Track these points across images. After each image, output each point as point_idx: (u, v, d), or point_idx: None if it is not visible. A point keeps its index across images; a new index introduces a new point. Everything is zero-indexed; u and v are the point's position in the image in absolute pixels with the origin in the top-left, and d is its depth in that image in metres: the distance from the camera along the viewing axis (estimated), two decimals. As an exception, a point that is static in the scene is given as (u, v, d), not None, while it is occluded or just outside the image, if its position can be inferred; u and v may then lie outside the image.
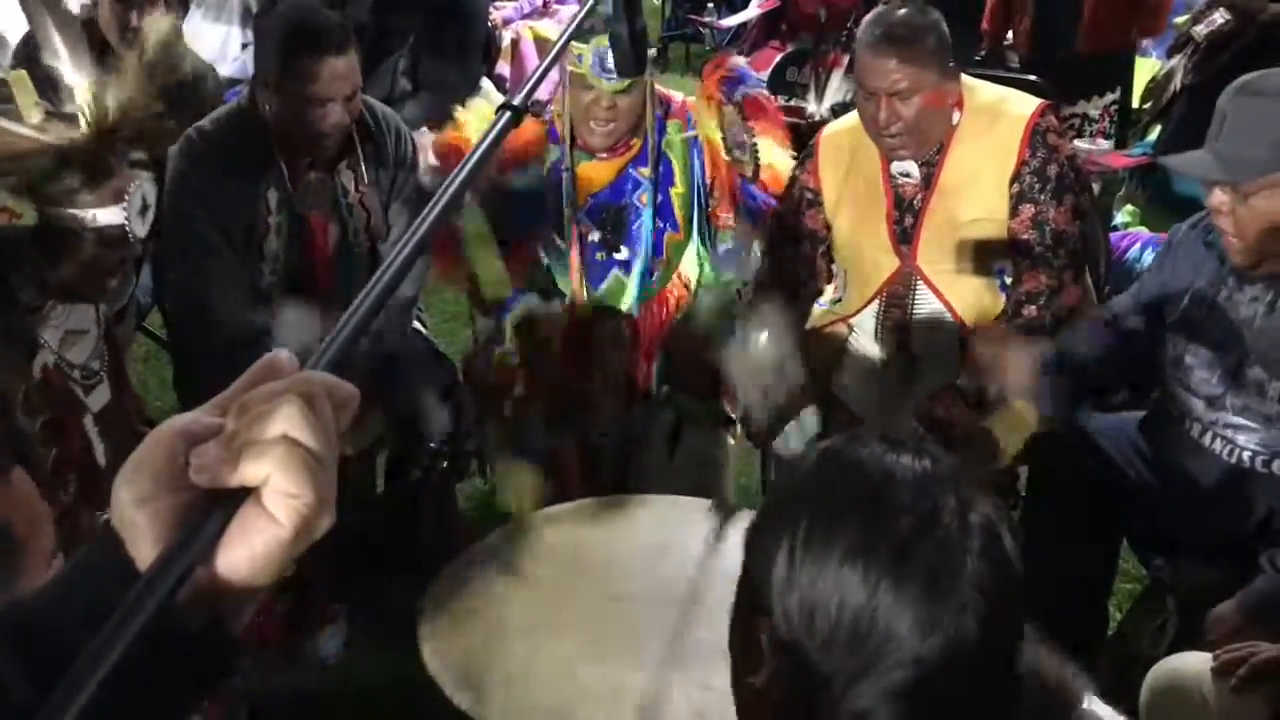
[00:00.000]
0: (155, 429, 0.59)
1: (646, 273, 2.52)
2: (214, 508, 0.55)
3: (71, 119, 1.61)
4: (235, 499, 0.55)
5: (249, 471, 0.55)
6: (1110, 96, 4.49)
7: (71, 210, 1.63)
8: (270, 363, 0.59)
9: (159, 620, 0.51)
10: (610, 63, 2.22)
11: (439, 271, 2.62)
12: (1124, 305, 2.32)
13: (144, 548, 0.56)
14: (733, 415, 2.67)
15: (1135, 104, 4.75)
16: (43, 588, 0.60)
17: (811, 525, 0.92)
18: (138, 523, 0.56)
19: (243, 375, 0.59)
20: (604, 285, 2.54)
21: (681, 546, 2.11)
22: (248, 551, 0.56)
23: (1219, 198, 1.97)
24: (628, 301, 2.53)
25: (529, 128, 2.47)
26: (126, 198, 1.67)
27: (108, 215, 1.66)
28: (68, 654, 0.50)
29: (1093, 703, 1.34)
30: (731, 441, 2.72)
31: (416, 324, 2.85)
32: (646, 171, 2.47)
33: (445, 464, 2.68)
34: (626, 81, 2.28)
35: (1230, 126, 1.95)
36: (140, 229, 1.72)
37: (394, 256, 0.64)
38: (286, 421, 0.55)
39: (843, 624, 0.88)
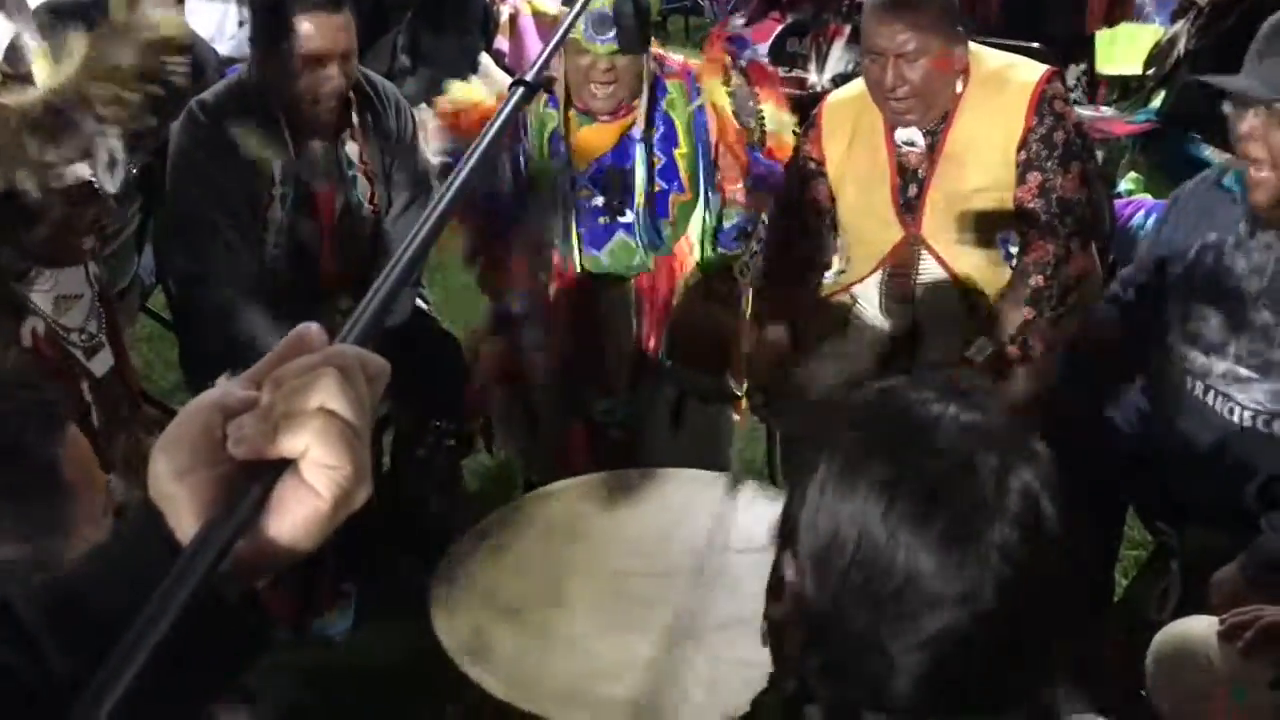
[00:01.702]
0: (191, 402, 0.59)
1: (654, 233, 2.51)
2: (254, 480, 0.55)
3: (28, 82, 1.60)
4: (275, 471, 0.55)
5: (288, 443, 0.55)
6: (1078, 68, 4.58)
7: (31, 172, 1.62)
8: (301, 335, 0.59)
9: (204, 593, 0.51)
10: (604, 26, 2.23)
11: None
12: (1130, 277, 2.31)
13: (184, 520, 0.56)
14: (737, 390, 2.67)
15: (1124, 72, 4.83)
16: (82, 562, 0.61)
17: (846, 456, 0.90)
18: (177, 495, 0.57)
19: (274, 348, 0.59)
20: (608, 247, 2.53)
21: (688, 520, 2.12)
22: (289, 523, 0.57)
23: (1251, 122, 1.92)
24: (635, 262, 2.52)
25: (483, 111, 2.45)
26: (92, 154, 1.66)
27: (74, 173, 1.65)
28: (109, 627, 0.50)
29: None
30: (736, 416, 2.72)
31: (420, 301, 2.85)
32: (651, 134, 2.46)
33: (451, 441, 2.69)
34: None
35: (1272, 50, 1.90)
36: (110, 184, 1.71)
37: (418, 229, 0.64)
38: (324, 393, 0.55)
39: (861, 561, 0.86)
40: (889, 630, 0.86)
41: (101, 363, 1.90)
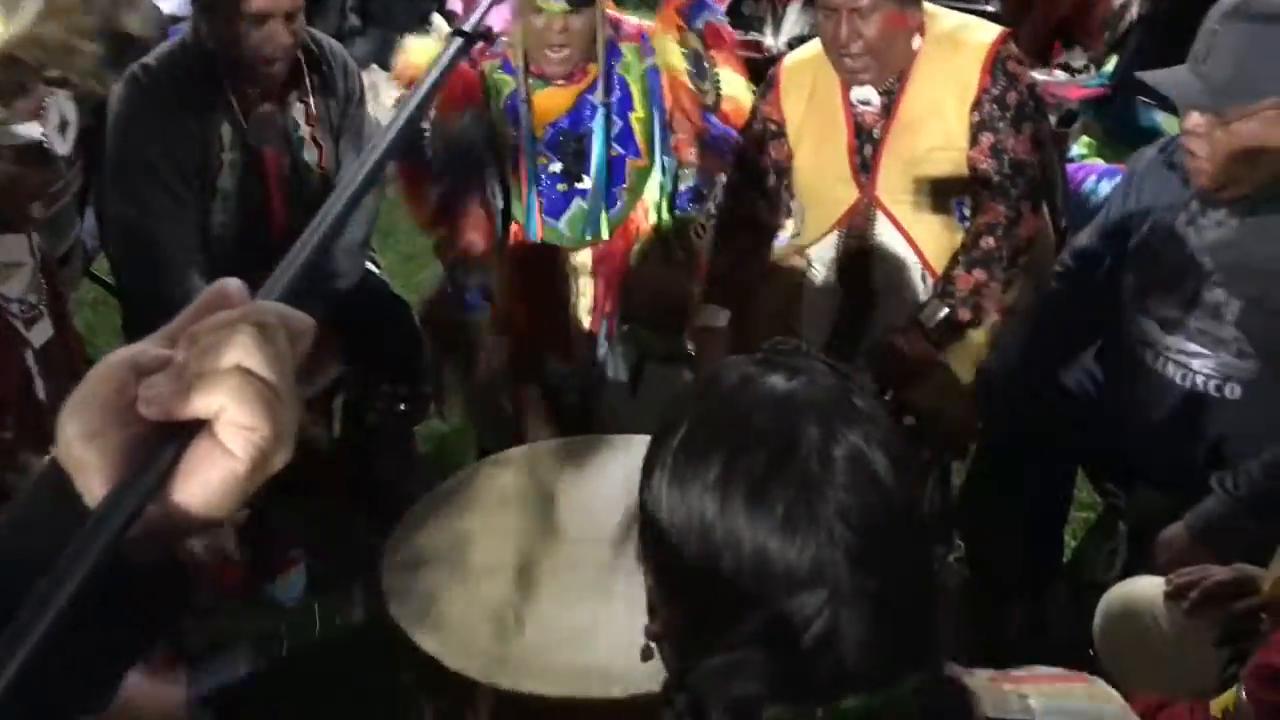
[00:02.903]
0: (102, 360, 0.56)
1: (609, 199, 2.48)
2: (166, 441, 0.53)
3: None
4: (188, 432, 0.53)
5: (201, 403, 0.53)
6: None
7: None
8: (220, 291, 0.57)
9: (111, 558, 0.49)
10: None
11: (410, 205, 2.57)
12: (1086, 242, 2.32)
13: (93, 484, 0.54)
14: (693, 352, 2.66)
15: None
16: None
17: (678, 456, 0.91)
18: (86, 458, 0.54)
19: (191, 304, 0.57)
20: (566, 216, 2.50)
21: (643, 484, 2.10)
22: (202, 486, 0.54)
23: (1195, 120, 1.94)
24: (593, 231, 2.50)
25: (468, 67, 2.42)
26: (43, 113, 1.62)
27: (24, 132, 1.61)
28: (15, 594, 0.48)
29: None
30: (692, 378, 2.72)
31: (370, 266, 2.81)
32: (600, 96, 2.43)
33: (403, 406, 2.67)
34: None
35: (1218, 49, 1.91)
36: (61, 146, 1.67)
37: (347, 183, 0.62)
38: (240, 351, 0.53)
39: (712, 553, 0.87)
40: (757, 621, 0.86)
41: (41, 333, 1.86)
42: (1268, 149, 1.91)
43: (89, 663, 0.57)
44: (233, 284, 0.57)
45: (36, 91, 1.62)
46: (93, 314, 3.60)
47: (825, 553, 0.85)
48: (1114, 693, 1.03)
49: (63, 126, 1.67)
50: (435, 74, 0.70)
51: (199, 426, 0.53)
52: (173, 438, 0.53)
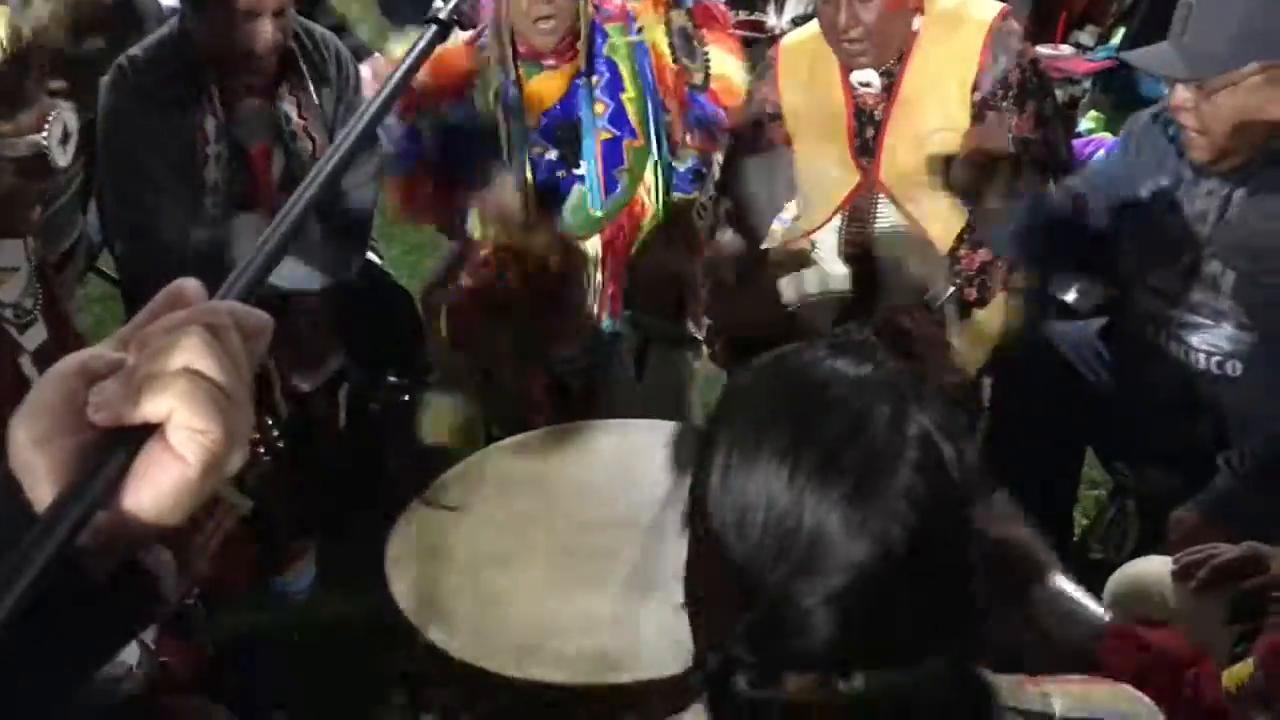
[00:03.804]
0: (53, 366, 0.56)
1: (609, 183, 2.47)
2: (115, 447, 0.52)
3: None
4: (137, 437, 0.52)
5: (150, 407, 0.52)
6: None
7: None
8: (175, 292, 0.56)
9: (62, 565, 0.48)
10: None
11: (402, 210, 2.56)
12: (1083, 183, 2.30)
13: (43, 491, 0.53)
14: (698, 336, 2.66)
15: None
16: None
17: (745, 427, 0.91)
18: (36, 465, 0.54)
19: (145, 307, 0.56)
20: (568, 203, 2.48)
21: (648, 471, 2.10)
22: (153, 491, 0.53)
23: (1182, 94, 1.95)
24: (596, 217, 2.49)
25: (460, 57, 2.40)
26: (46, 126, 1.62)
27: (26, 143, 1.61)
28: None
29: (1059, 580, 1.35)
30: (697, 364, 2.71)
31: (373, 256, 2.81)
32: (595, 81, 2.42)
33: (406, 397, 2.66)
34: None
35: (1195, 20, 1.92)
36: (62, 159, 1.67)
37: (314, 174, 0.61)
38: (189, 353, 0.52)
39: (770, 526, 0.87)
40: (805, 589, 0.86)
41: (34, 337, 1.86)
42: (1255, 118, 1.90)
43: (42, 669, 0.57)
44: (190, 284, 0.56)
45: (41, 102, 1.62)
46: (100, 308, 3.61)
47: (884, 529, 0.85)
48: (1141, 696, 1.04)
49: (65, 138, 1.67)
50: (410, 59, 0.69)
51: (150, 431, 0.52)
52: (123, 443, 0.52)
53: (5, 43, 1.53)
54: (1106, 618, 1.35)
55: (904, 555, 0.85)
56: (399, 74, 0.68)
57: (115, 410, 0.52)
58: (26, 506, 0.54)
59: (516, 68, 2.40)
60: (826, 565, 0.86)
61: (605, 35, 2.43)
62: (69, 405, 0.54)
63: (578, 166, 2.46)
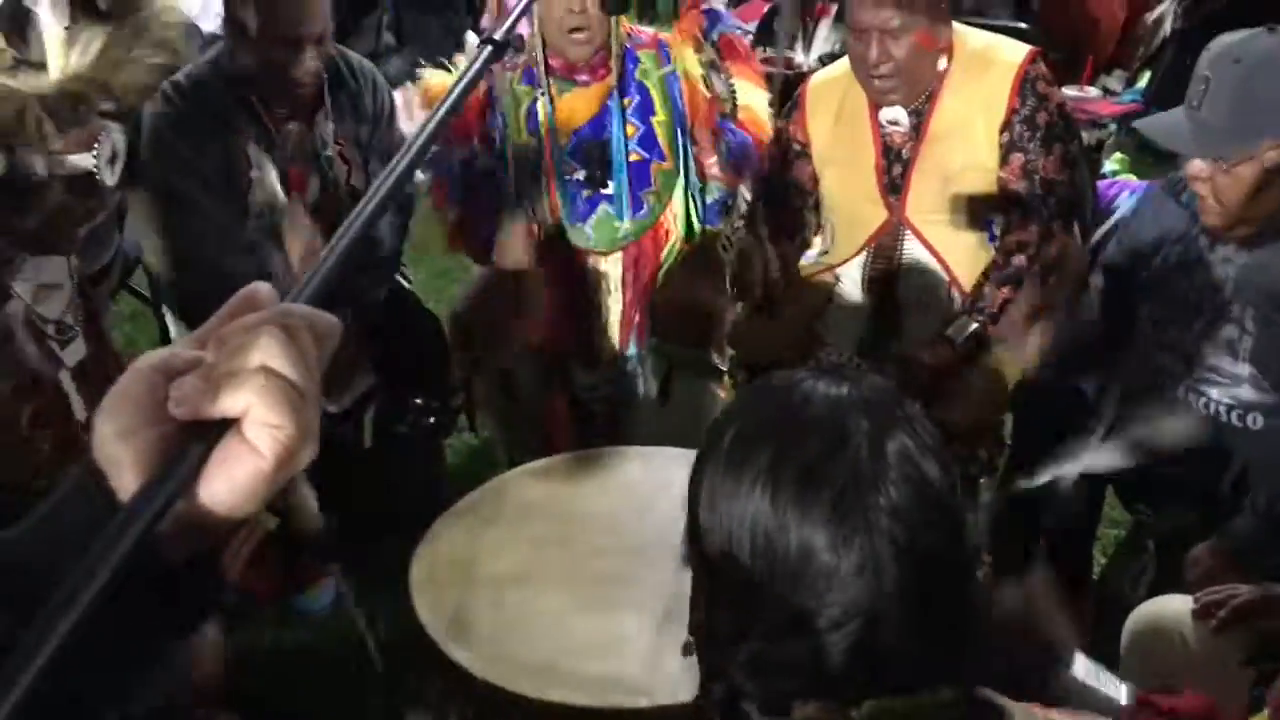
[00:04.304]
0: (135, 362, 0.58)
1: (635, 204, 2.51)
2: (195, 440, 0.55)
3: (41, 67, 1.59)
4: (216, 430, 0.55)
5: (228, 402, 0.55)
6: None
7: (40, 156, 1.62)
8: (249, 295, 0.59)
9: (141, 552, 0.51)
10: None
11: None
12: (1111, 259, 2.33)
13: (126, 481, 0.56)
14: (721, 366, 2.67)
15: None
16: (25, 523, 0.60)
17: (729, 451, 0.93)
18: (119, 456, 0.56)
19: (221, 308, 0.59)
20: (592, 219, 2.51)
21: (671, 497, 2.10)
22: (229, 483, 0.56)
23: (1198, 166, 1.96)
24: (620, 235, 2.52)
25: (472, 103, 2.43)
26: (96, 146, 1.66)
27: (76, 162, 1.65)
28: (47, 588, 0.50)
29: (1084, 662, 1.35)
30: (721, 393, 2.72)
31: (401, 280, 2.84)
32: (627, 103, 2.46)
33: (432, 419, 2.68)
34: None
35: (1211, 95, 1.93)
36: (110, 178, 1.71)
37: (373, 191, 0.64)
38: (265, 352, 0.55)
39: (759, 548, 0.88)
40: (801, 614, 0.86)
41: (74, 353, 1.90)
42: (1272, 189, 1.92)
43: (119, 655, 0.59)
44: (262, 288, 0.59)
45: (91, 124, 1.66)
46: (131, 326, 3.65)
47: (870, 545, 0.85)
48: None
49: (113, 159, 1.71)
50: (464, 81, 0.71)
51: (227, 425, 0.55)
52: (201, 436, 0.55)
53: (59, 64, 1.58)
54: (1124, 697, 1.33)
55: (897, 575, 0.85)
56: (455, 94, 0.70)
57: (195, 405, 0.55)
58: (111, 495, 0.56)
59: (549, 83, 2.44)
60: (818, 586, 0.86)
61: (637, 60, 2.47)
62: (151, 400, 0.56)
63: (604, 185, 2.49)
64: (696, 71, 2.45)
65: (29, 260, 1.81)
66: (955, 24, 2.40)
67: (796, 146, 2.55)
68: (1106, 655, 1.86)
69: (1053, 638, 1.34)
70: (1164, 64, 4.16)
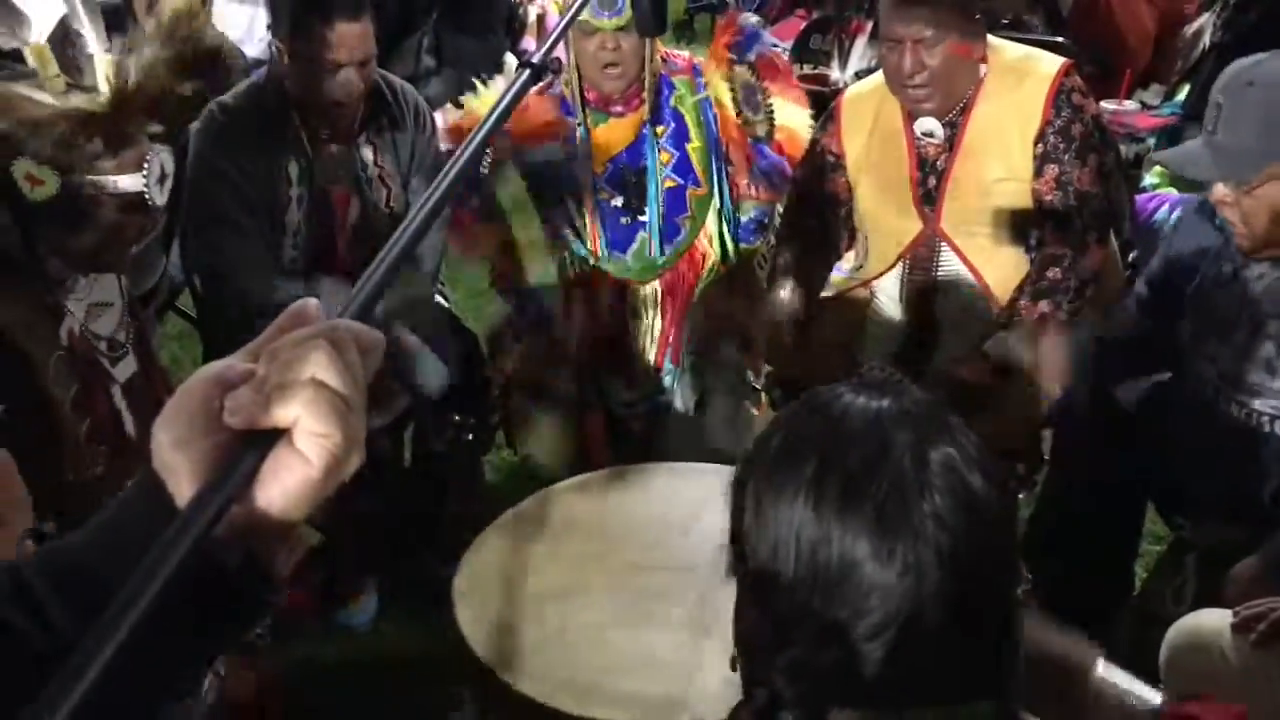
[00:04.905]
0: (192, 375, 0.62)
1: (670, 229, 2.52)
2: (248, 448, 0.57)
3: (92, 90, 1.64)
4: (268, 439, 0.58)
5: (279, 413, 0.58)
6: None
7: (92, 177, 1.67)
8: (299, 311, 0.62)
9: (197, 556, 0.53)
10: (611, 3, 2.28)
11: (460, 248, 2.64)
12: (1152, 275, 2.33)
13: (184, 488, 0.59)
14: (756, 384, 2.68)
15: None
16: (85, 527, 0.63)
17: (774, 463, 0.94)
18: (176, 464, 0.60)
19: (273, 323, 0.62)
20: (632, 249, 2.54)
21: (709, 513, 2.11)
22: (281, 489, 0.59)
23: (1221, 190, 1.98)
24: (660, 261, 2.54)
25: (544, 108, 2.47)
26: (146, 166, 1.70)
27: (127, 182, 1.70)
28: (109, 590, 0.52)
29: (1107, 668, 1.34)
30: (756, 412, 2.73)
31: (439, 298, 2.88)
32: (661, 130, 2.48)
33: (470, 436, 2.71)
34: (626, 16, 2.30)
35: (1225, 119, 1.95)
36: (159, 197, 1.75)
37: (417, 210, 0.66)
38: (314, 365, 0.58)
39: (803, 557, 0.89)
40: (844, 622, 0.87)
41: (125, 369, 1.94)
42: None
43: (174, 654, 0.62)
44: (311, 304, 0.62)
45: (141, 145, 1.71)
46: (178, 346, 3.71)
47: (914, 553, 0.86)
48: None
49: (162, 179, 1.76)
50: (504, 103, 0.73)
51: (279, 435, 0.58)
52: (255, 445, 0.58)
53: (110, 86, 1.63)
54: (1158, 702, 1.33)
55: (939, 585, 0.86)
56: (495, 116, 0.72)
57: (248, 415, 0.58)
58: (169, 502, 0.60)
59: (585, 115, 2.47)
60: (861, 595, 0.87)
61: (673, 87, 2.50)
62: (205, 410, 0.60)
63: (642, 213, 2.52)
64: (724, 96, 2.47)
65: (82, 279, 1.85)
66: (991, 36, 2.41)
67: (831, 159, 2.56)
68: (1147, 669, 1.86)
69: (1066, 659, 1.34)
70: (1202, 77, 4.13)
